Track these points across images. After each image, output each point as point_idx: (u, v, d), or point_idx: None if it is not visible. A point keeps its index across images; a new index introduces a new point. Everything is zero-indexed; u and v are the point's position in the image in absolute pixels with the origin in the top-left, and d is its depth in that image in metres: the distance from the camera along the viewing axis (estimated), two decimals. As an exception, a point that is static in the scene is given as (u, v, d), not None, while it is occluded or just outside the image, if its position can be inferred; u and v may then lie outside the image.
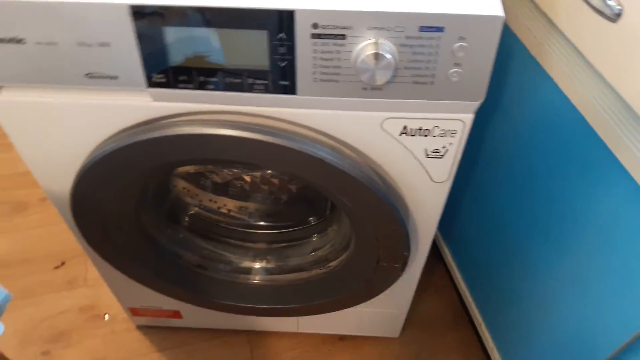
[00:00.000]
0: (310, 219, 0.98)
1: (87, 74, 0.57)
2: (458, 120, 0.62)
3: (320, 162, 0.63)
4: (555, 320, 0.81)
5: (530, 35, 0.70)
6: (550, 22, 0.66)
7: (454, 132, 0.63)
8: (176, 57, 0.57)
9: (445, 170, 0.68)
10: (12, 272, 1.21)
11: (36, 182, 1.32)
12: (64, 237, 1.27)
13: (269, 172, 0.95)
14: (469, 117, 0.62)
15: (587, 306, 0.71)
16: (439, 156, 0.66)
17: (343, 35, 0.53)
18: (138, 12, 0.53)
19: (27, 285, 1.19)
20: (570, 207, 0.72)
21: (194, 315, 1.06)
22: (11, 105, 0.62)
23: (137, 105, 0.61)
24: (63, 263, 1.24)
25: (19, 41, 0.55)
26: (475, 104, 0.59)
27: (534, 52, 0.70)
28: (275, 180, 0.97)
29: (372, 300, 0.92)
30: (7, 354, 0.70)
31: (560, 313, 0.78)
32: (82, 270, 1.22)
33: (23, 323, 1.13)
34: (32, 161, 0.70)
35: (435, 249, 1.26)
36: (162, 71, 0.58)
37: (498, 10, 0.52)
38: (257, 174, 0.95)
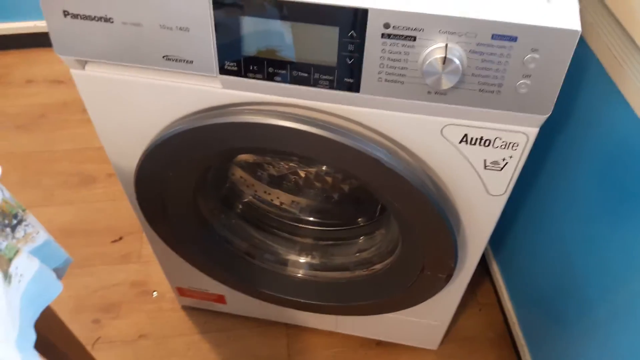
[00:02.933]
0: (359, 220, 0.98)
1: (164, 56, 0.61)
2: (522, 133, 0.61)
3: (375, 162, 0.64)
4: (603, 352, 0.77)
5: (608, 53, 0.67)
6: (632, 41, 0.64)
7: (516, 145, 0.62)
8: (249, 47, 0.59)
9: (502, 183, 0.67)
10: (73, 242, 1.28)
11: (106, 158, 1.40)
12: (125, 213, 1.34)
13: (323, 169, 0.96)
14: (533, 131, 0.61)
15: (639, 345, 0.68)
16: (498, 168, 0.65)
17: (413, 37, 0.53)
18: (218, 1, 0.55)
19: (86, 255, 1.26)
20: (636, 234, 0.68)
21: (237, 301, 1.09)
22: (93, 80, 0.66)
23: (207, 91, 0.64)
24: (121, 238, 1.30)
25: (107, 20, 0.58)
26: (542, 118, 0.58)
27: (610, 71, 0.68)
28: (328, 179, 0.98)
29: (413, 309, 0.91)
30: (61, 317, 0.75)
31: (610, 347, 0.75)
32: (137, 247, 1.28)
33: (78, 290, 1.20)
34: (104, 135, 0.74)
35: (483, 264, 1.23)
36: (234, 60, 0.60)
37: (575, 24, 0.51)
38: (312, 170, 0.97)
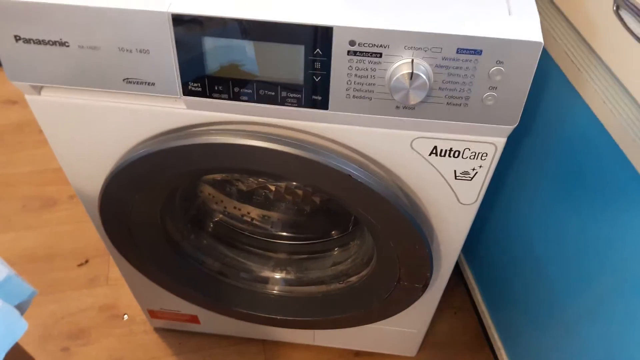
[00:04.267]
0: (333, 232, 0.98)
1: (125, 79, 0.59)
2: (490, 144, 0.61)
3: (347, 178, 0.63)
4: (576, 351, 0.79)
5: (568, 61, 0.69)
6: (590, 48, 0.65)
7: (485, 155, 0.62)
8: (212, 67, 0.57)
9: (473, 192, 0.67)
10: (37, 267, 1.23)
11: (67, 179, 1.35)
12: (89, 235, 1.29)
13: (294, 183, 0.95)
14: (501, 141, 0.61)
15: (612, 340, 0.69)
16: (468, 178, 0.65)
17: (379, 53, 0.53)
18: (178, 20, 0.54)
19: (51, 281, 1.21)
20: (600, 237, 0.70)
21: (211, 321, 1.06)
22: (50, 105, 0.63)
23: (171, 112, 0.62)
24: (87, 261, 1.26)
25: (62, 44, 0.56)
26: (509, 128, 0.59)
27: (571, 77, 0.69)
28: (299, 192, 0.97)
29: (390, 318, 0.91)
30: (27, 348, 0.71)
31: (583, 344, 0.76)
32: (104, 270, 1.24)
33: (44, 318, 1.15)
34: (65, 160, 0.72)
35: (457, 270, 1.24)
36: (198, 80, 0.59)
37: (537, 36, 0.52)
38: (282, 184, 0.96)
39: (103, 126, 0.65)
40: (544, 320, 0.88)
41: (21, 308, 0.60)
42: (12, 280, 0.58)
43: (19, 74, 0.60)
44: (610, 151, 0.65)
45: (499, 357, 1.07)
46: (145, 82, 0.59)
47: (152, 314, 1.08)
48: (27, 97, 0.63)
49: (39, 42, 0.56)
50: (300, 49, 0.54)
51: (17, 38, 0.56)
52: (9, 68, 0.59)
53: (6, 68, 0.59)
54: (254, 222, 0.99)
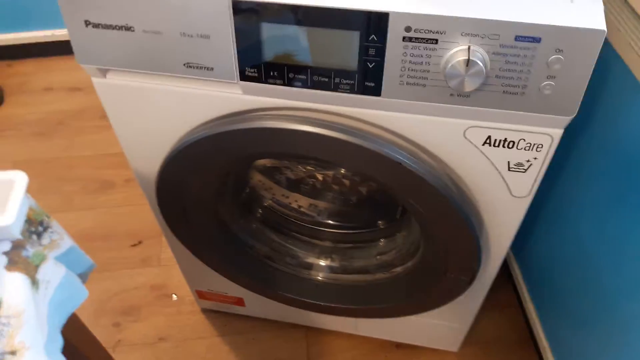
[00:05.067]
0: (379, 222, 0.98)
1: (185, 64, 0.61)
2: (546, 135, 0.60)
3: (397, 165, 0.64)
4: (624, 355, 0.76)
5: (632, 53, 0.66)
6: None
7: (540, 146, 0.61)
8: (269, 53, 0.59)
9: (526, 185, 0.66)
10: (94, 246, 1.30)
11: (124, 163, 1.40)
12: (144, 217, 1.35)
13: (341, 172, 0.96)
14: (557, 133, 0.60)
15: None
16: (522, 170, 0.64)
17: (435, 40, 0.53)
18: (237, 7, 0.56)
19: (106, 259, 1.27)
20: (660, 236, 0.67)
21: (256, 304, 1.09)
22: (115, 88, 0.67)
23: (228, 97, 0.64)
24: (140, 242, 1.31)
25: (128, 28, 0.59)
26: (566, 119, 0.57)
27: (635, 70, 0.67)
28: (346, 181, 0.98)
29: (434, 311, 0.90)
30: (83, 321, 0.75)
31: (631, 349, 0.74)
32: (156, 251, 1.29)
33: (99, 294, 1.21)
34: (125, 141, 0.75)
35: (504, 266, 1.22)
36: (254, 66, 0.60)
37: (600, 24, 0.50)
38: (330, 173, 0.97)
39: (163, 109, 0.68)
40: (593, 322, 0.85)
41: (81, 278, 0.64)
42: (75, 251, 0.62)
43: (87, 57, 0.63)
44: (675, 147, 0.63)
45: (544, 356, 1.05)
46: (205, 67, 0.61)
47: (200, 294, 1.12)
48: (94, 79, 0.66)
49: (107, 26, 0.59)
50: (356, 35, 0.55)
51: (87, 23, 0.59)
52: (79, 51, 0.62)
53: (76, 51, 0.63)
54: (301, 209, 1.01)
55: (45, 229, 0.57)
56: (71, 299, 0.58)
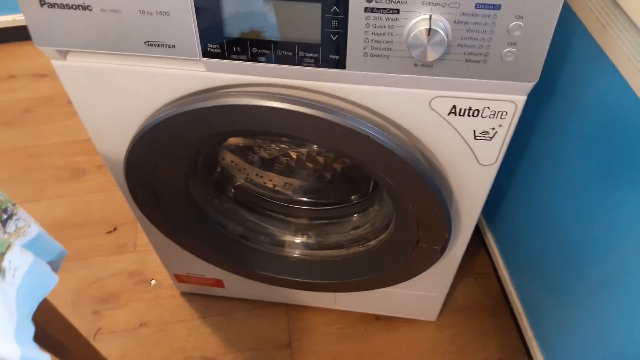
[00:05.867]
0: (352, 197, 0.99)
1: (146, 42, 0.60)
2: (510, 102, 0.61)
3: (365, 139, 0.64)
4: (596, 317, 0.78)
5: (592, 17, 0.67)
6: (615, 3, 0.63)
7: (504, 113, 0.62)
8: (231, 28, 0.58)
9: (493, 153, 0.67)
10: (68, 234, 1.28)
11: (95, 150, 1.38)
12: (117, 204, 1.33)
13: (314, 149, 0.96)
14: (521, 99, 0.60)
15: (632, 307, 0.69)
16: (488, 138, 0.65)
17: (397, 9, 0.53)
18: (197, -17, 0.54)
19: (81, 247, 1.26)
20: (625, 201, 0.69)
21: (235, 285, 1.09)
22: (76, 70, 0.65)
23: (192, 75, 0.63)
24: (115, 228, 1.30)
25: (85, 7, 0.57)
26: (529, 85, 0.58)
27: (595, 34, 0.68)
28: (320, 158, 0.98)
29: (410, 282, 0.92)
30: (61, 310, 0.75)
31: (603, 310, 0.76)
32: (132, 236, 1.28)
33: (76, 283, 1.20)
34: (91, 125, 0.74)
35: (478, 235, 1.24)
36: (217, 42, 0.59)
37: (558, -12, 0.51)
38: (303, 151, 0.97)
39: (126, 90, 0.67)
40: (565, 286, 0.88)
41: (53, 266, 0.63)
42: (42, 238, 0.61)
43: (44, 39, 0.61)
44: (637, 111, 0.64)
45: (519, 322, 1.08)
46: (166, 45, 0.60)
47: (178, 278, 1.11)
48: (53, 62, 0.65)
49: (63, 6, 0.58)
50: (318, 7, 0.54)
51: (42, 3, 0.58)
52: (36, 33, 0.61)
53: (33, 33, 0.61)
54: (276, 188, 1.01)
55: (10, 216, 0.56)
56: (41, 286, 0.58)
